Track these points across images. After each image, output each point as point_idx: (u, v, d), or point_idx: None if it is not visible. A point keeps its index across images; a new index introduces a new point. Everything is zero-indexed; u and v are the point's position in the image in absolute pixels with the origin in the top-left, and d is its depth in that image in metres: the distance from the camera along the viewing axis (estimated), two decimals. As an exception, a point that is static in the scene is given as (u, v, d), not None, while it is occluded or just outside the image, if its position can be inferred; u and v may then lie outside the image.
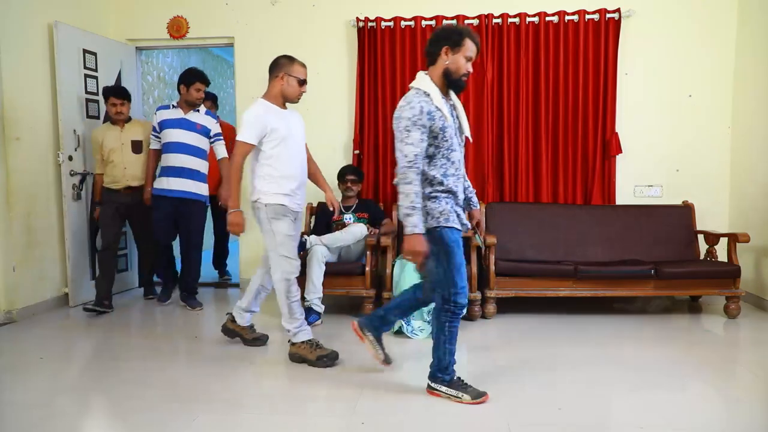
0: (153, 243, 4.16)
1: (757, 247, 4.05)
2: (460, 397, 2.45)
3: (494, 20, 4.43)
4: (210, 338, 3.45)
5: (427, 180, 2.39)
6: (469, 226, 2.62)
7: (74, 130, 4.20)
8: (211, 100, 4.91)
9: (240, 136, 2.90)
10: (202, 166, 4.01)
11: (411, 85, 2.45)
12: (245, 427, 2.28)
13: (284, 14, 4.70)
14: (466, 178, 2.65)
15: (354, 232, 3.88)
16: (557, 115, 4.45)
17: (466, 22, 4.44)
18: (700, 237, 4.27)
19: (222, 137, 4.10)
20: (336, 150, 4.68)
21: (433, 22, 4.48)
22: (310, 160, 3.19)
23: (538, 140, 4.47)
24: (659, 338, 3.43)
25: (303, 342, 2.97)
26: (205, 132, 4.01)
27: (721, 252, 4.09)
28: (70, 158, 4.17)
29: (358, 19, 4.52)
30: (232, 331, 3.30)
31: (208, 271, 4.94)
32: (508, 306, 3.99)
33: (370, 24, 4.52)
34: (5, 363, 3.08)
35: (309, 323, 3.27)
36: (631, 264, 3.91)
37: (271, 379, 2.86)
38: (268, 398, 2.62)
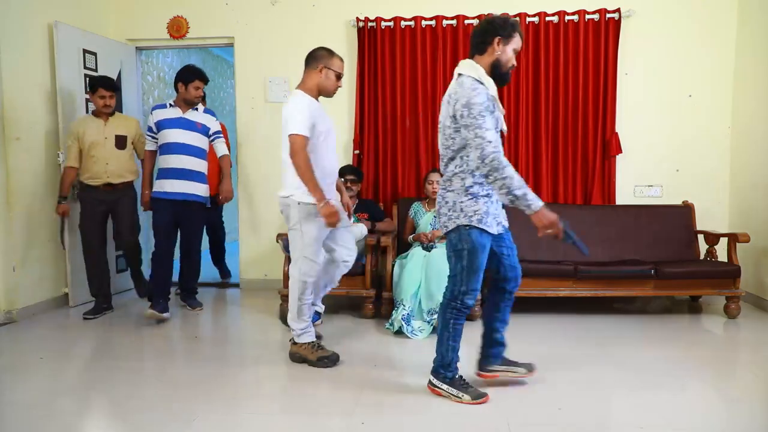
0: (135, 241, 4.00)
1: (757, 247, 4.05)
2: (460, 397, 2.45)
3: (494, 20, 4.43)
4: (210, 338, 3.46)
5: (469, 171, 2.35)
6: (506, 225, 2.54)
7: (74, 130, 4.19)
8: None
9: (295, 129, 2.74)
10: (202, 166, 3.87)
11: (461, 71, 2.37)
12: (245, 427, 2.28)
13: (284, 14, 4.70)
14: None
15: (354, 232, 3.88)
16: (557, 115, 4.45)
17: (466, 22, 4.45)
18: (700, 237, 4.26)
19: (222, 135, 4.01)
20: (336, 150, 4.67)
21: (433, 22, 4.48)
22: None
23: (538, 140, 4.47)
24: (659, 338, 3.43)
25: (306, 343, 2.98)
26: (205, 131, 3.88)
27: (721, 252, 4.09)
28: (70, 158, 4.16)
29: (358, 19, 4.53)
30: (295, 354, 3.02)
31: (208, 271, 4.93)
32: (508, 306, 3.99)
33: (370, 24, 4.52)
34: (5, 363, 3.08)
35: (310, 323, 3.26)
36: (631, 264, 3.91)
37: (272, 379, 2.86)
38: (268, 398, 2.62)
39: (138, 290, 4.29)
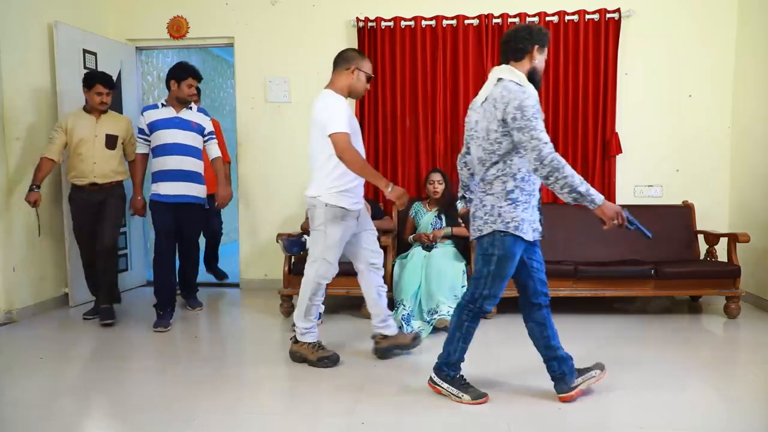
0: (112, 244, 3.81)
1: (757, 247, 4.05)
2: (460, 397, 2.45)
3: (494, 20, 4.43)
4: (210, 338, 3.45)
5: (511, 174, 2.34)
6: (542, 232, 2.47)
7: (74, 130, 4.18)
8: (197, 94, 4.57)
9: (338, 128, 2.69)
10: (199, 166, 3.75)
11: (501, 76, 2.34)
12: (245, 427, 2.28)
13: (284, 14, 4.70)
14: None
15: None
16: (557, 115, 4.45)
17: (466, 22, 4.45)
18: (700, 237, 4.26)
19: (215, 136, 3.90)
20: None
21: (433, 22, 4.48)
22: None
23: (538, 140, 4.46)
24: (659, 338, 3.43)
25: (307, 343, 2.97)
26: (200, 131, 3.76)
27: (721, 252, 4.09)
28: (70, 158, 4.15)
29: (358, 19, 4.53)
30: (387, 349, 3.05)
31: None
32: (509, 306, 3.97)
33: (370, 24, 4.52)
34: (5, 363, 3.08)
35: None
36: (631, 264, 3.91)
37: (272, 379, 2.85)
38: (268, 398, 2.62)
39: (96, 304, 3.88)
